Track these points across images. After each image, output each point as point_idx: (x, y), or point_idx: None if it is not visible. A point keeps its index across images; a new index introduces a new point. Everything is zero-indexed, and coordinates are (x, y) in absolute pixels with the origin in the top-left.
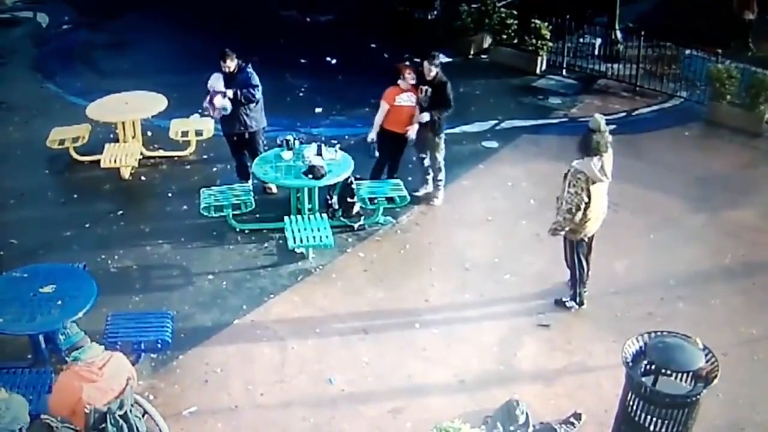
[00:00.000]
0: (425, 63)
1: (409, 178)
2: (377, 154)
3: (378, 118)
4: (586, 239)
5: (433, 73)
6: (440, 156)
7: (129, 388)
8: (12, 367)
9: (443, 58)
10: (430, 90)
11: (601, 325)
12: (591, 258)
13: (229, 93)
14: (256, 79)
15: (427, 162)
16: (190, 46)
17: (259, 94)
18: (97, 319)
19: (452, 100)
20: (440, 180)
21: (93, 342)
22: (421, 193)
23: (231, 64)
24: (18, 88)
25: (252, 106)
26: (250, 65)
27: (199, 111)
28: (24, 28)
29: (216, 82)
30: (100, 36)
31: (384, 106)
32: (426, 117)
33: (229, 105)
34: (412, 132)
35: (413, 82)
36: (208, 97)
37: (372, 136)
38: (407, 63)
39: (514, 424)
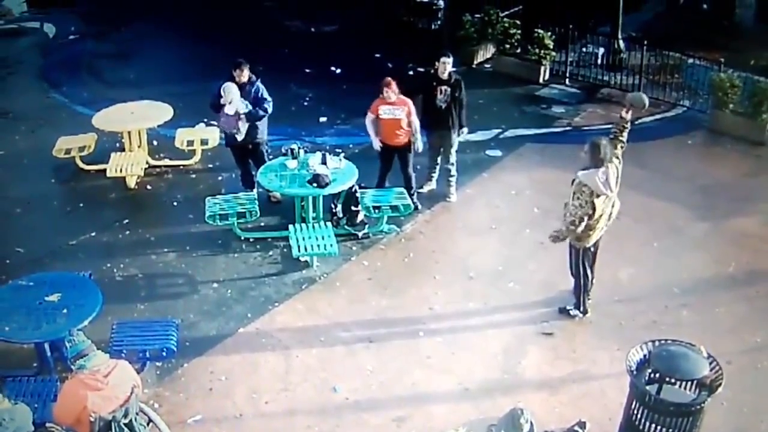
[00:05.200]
0: (440, 63)
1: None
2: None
3: (368, 126)
4: (592, 248)
5: (447, 72)
6: (454, 152)
7: (134, 397)
8: (17, 375)
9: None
10: (449, 89)
11: (605, 333)
12: (595, 266)
13: (242, 109)
14: (266, 93)
15: (439, 159)
16: (196, 55)
17: (270, 109)
18: (103, 328)
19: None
20: (453, 176)
21: (98, 350)
22: (425, 190)
23: (244, 75)
24: (25, 97)
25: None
26: (259, 78)
27: (205, 120)
28: (31, 38)
29: (233, 93)
30: (107, 46)
31: (369, 116)
32: (465, 130)
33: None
34: (419, 144)
35: (394, 98)
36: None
37: (376, 145)
38: (390, 78)
39: None
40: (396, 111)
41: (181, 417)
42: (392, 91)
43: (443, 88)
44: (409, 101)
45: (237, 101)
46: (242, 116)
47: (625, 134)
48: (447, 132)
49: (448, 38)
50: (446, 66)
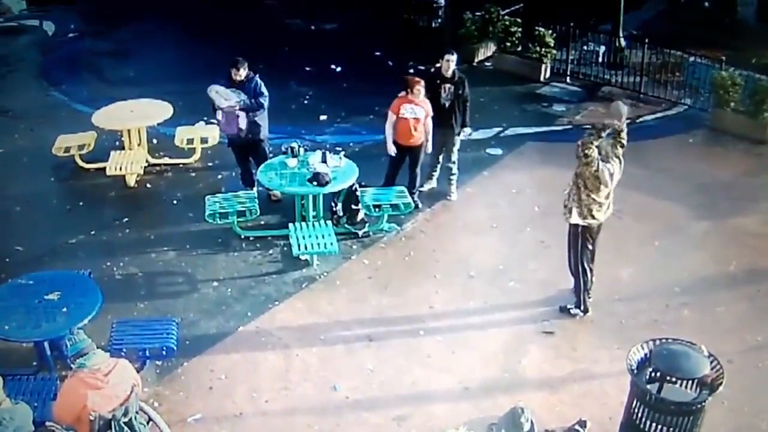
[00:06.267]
0: (444, 61)
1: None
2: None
3: (388, 129)
4: (590, 246)
5: (451, 70)
6: (456, 151)
7: (134, 395)
8: (17, 373)
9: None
10: (453, 87)
11: (606, 332)
12: (595, 265)
13: (235, 98)
14: (264, 88)
15: (441, 158)
16: (196, 54)
17: (266, 103)
18: (102, 326)
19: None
20: (454, 175)
21: (98, 349)
22: (426, 188)
23: (242, 73)
24: (24, 95)
25: (258, 113)
26: (258, 75)
27: (205, 118)
28: (30, 36)
29: (217, 94)
30: (106, 44)
31: (391, 117)
32: (468, 130)
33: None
34: (429, 146)
35: (421, 96)
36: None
37: (391, 148)
38: (417, 77)
39: None
40: (417, 110)
41: (181, 416)
42: (417, 91)
43: (447, 86)
44: (428, 102)
45: (226, 97)
46: (238, 113)
47: (624, 135)
48: (450, 130)
49: (448, 36)
50: (450, 64)
